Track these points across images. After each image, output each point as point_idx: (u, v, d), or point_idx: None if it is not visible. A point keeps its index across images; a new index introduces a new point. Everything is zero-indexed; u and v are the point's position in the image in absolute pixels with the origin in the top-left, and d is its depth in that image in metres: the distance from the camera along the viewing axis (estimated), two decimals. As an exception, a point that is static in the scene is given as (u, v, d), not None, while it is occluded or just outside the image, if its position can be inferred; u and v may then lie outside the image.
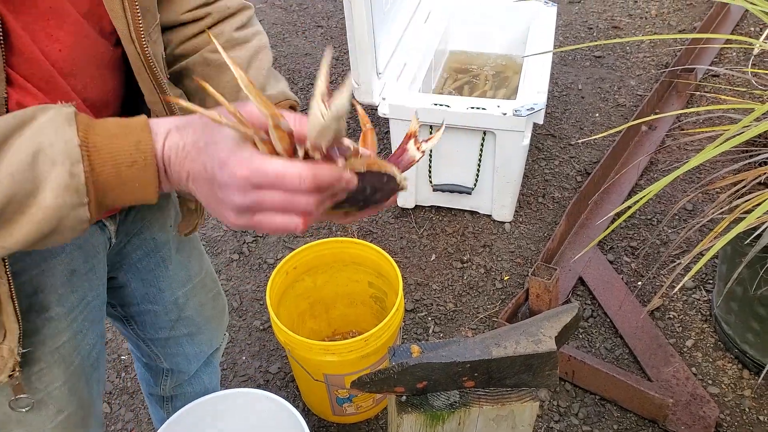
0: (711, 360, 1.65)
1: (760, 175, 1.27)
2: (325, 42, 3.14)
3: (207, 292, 1.10)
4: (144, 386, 1.28)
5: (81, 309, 0.85)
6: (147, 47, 0.72)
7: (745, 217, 1.26)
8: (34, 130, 0.53)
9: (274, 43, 3.15)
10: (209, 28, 0.81)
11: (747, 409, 1.52)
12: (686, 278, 1.12)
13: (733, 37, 1.46)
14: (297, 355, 1.38)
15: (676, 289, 1.50)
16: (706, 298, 1.80)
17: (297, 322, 1.62)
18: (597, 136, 1.69)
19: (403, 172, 0.69)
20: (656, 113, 2.51)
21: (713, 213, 1.37)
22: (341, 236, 1.92)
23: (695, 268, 1.06)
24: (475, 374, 1.05)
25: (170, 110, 0.78)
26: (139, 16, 0.70)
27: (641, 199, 1.13)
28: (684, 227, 2.02)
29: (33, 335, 0.78)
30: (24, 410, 0.79)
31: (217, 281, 1.14)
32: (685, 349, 1.68)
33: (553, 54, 2.96)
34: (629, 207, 1.20)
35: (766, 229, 1.16)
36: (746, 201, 1.25)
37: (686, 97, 2.58)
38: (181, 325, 1.07)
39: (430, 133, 1.95)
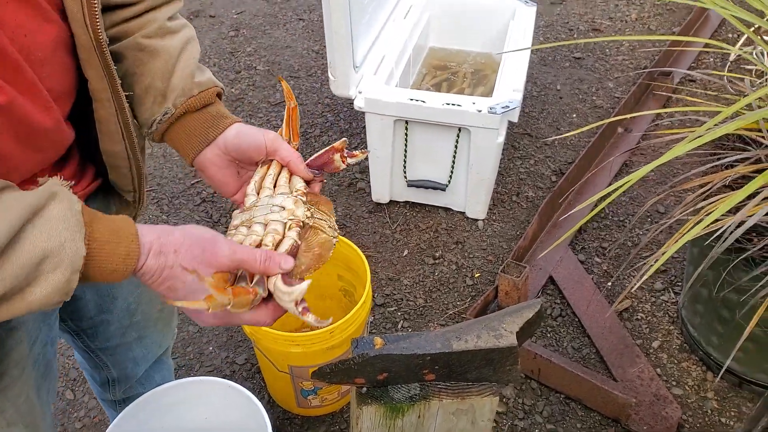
0: (676, 361, 1.66)
1: (725, 177, 1.28)
2: (306, 35, 3.11)
3: (154, 295, 1.09)
4: (96, 392, 1.25)
5: (36, 315, 0.82)
6: (100, 31, 0.70)
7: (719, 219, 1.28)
8: (46, 226, 0.56)
9: (254, 35, 3.12)
10: (141, 14, 0.80)
11: (709, 411, 1.54)
12: (645, 275, 1.13)
13: (711, 42, 1.47)
14: (262, 346, 1.36)
15: (635, 286, 1.52)
16: (674, 300, 1.82)
17: (264, 314, 1.60)
18: (571, 134, 1.70)
19: (320, 171, 0.83)
20: (633, 118, 2.54)
21: (680, 214, 1.38)
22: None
23: (655, 266, 1.07)
24: (436, 367, 1.04)
25: (117, 97, 0.76)
26: None
27: (611, 194, 1.13)
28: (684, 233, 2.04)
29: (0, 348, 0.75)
30: None
31: None
32: (651, 350, 1.69)
33: (534, 54, 2.98)
34: (596, 205, 1.20)
35: (727, 230, 1.17)
36: (711, 203, 1.26)
37: (663, 100, 2.61)
38: (132, 330, 1.05)
39: (405, 128, 1.94)
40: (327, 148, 0.84)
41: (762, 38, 1.36)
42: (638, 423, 1.49)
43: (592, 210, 1.18)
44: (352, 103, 1.92)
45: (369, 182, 2.14)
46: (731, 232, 1.15)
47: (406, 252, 2.02)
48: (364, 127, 1.99)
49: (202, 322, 0.69)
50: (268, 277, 0.71)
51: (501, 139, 1.89)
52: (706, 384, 1.60)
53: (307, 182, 0.82)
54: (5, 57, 0.60)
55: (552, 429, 1.52)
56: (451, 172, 2.03)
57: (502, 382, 1.08)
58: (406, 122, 1.92)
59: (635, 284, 1.23)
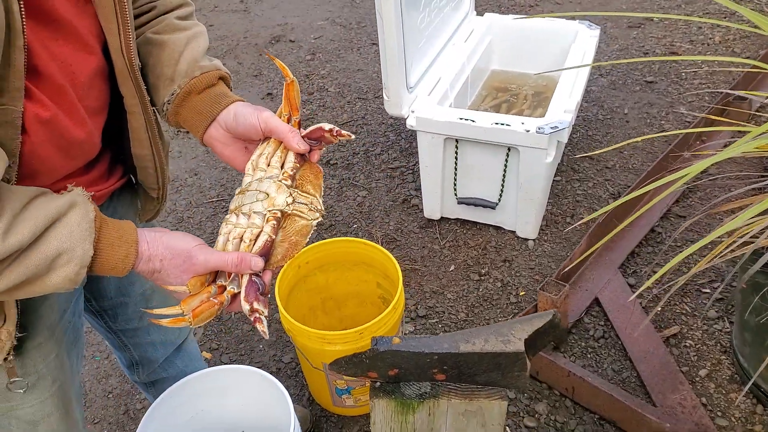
0: (724, 392, 1.59)
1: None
2: (377, 59, 3.26)
3: None
4: (128, 375, 1.39)
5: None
6: (134, 57, 0.84)
7: (753, 242, 1.25)
8: (65, 230, 0.72)
9: (329, 58, 3.31)
10: (153, 19, 0.93)
11: (754, 445, 1.47)
12: (675, 288, 1.12)
13: None
14: (298, 342, 1.47)
15: (665, 297, 1.48)
16: (728, 330, 1.74)
17: (308, 316, 1.70)
18: (619, 145, 1.69)
19: (317, 141, 0.91)
20: (703, 140, 2.45)
21: (718, 236, 1.35)
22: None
23: (681, 280, 1.06)
24: (445, 367, 1.10)
25: (146, 110, 0.90)
26: (129, 31, 0.81)
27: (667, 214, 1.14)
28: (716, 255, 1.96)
29: (32, 312, 0.89)
30: (21, 391, 0.91)
31: None
32: (697, 379, 1.63)
33: (604, 78, 2.95)
34: (653, 229, 1.21)
35: (758, 251, 1.14)
36: (748, 224, 1.23)
37: (737, 130, 2.49)
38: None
39: (456, 147, 2.00)
40: (316, 126, 0.91)
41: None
42: (673, 450, 1.44)
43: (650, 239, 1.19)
44: (405, 122, 2.01)
45: (422, 199, 2.21)
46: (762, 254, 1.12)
47: (452, 267, 2.07)
48: (415, 145, 2.08)
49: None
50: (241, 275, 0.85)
51: (550, 159, 1.91)
52: (755, 417, 1.52)
53: (304, 155, 0.91)
54: (53, 82, 0.75)
55: (582, 449, 1.51)
56: (501, 190, 2.06)
57: (511, 387, 1.12)
58: (456, 141, 1.99)
59: (687, 310, 1.21)
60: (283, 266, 0.91)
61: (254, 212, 0.87)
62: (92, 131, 0.84)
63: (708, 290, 1.87)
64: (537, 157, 1.90)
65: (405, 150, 2.61)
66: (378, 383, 1.14)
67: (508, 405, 1.61)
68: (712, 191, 2.24)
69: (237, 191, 0.92)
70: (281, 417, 1.26)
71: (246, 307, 0.84)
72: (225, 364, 1.82)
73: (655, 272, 1.95)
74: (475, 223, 2.21)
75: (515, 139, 1.88)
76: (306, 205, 0.88)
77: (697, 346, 1.71)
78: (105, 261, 0.75)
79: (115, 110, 0.90)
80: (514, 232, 2.16)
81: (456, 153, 2.02)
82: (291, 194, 0.88)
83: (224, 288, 0.85)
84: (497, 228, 2.19)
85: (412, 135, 2.67)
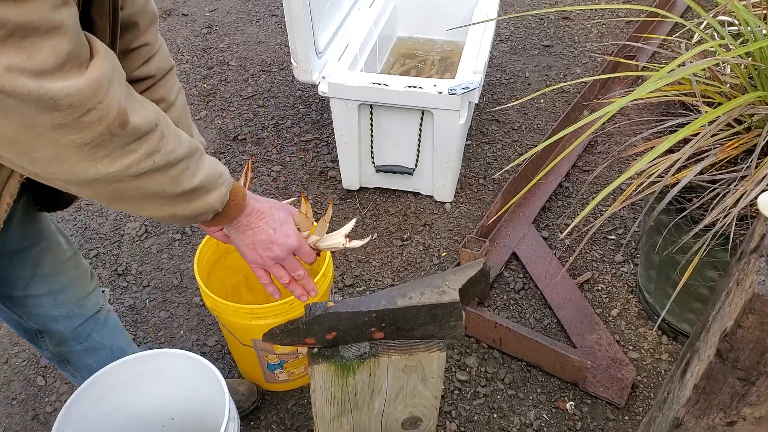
0: (633, 328, 1.72)
1: (666, 141, 1.33)
2: (278, 30, 3.16)
3: (63, 252, 1.13)
4: (36, 349, 1.29)
5: None
6: None
7: (658, 181, 1.33)
8: (213, 161, 0.88)
9: (227, 31, 3.16)
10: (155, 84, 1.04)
11: (663, 371, 1.59)
12: (590, 233, 1.17)
13: (681, 20, 1.53)
14: (224, 320, 1.40)
15: (581, 246, 1.56)
16: (633, 271, 1.87)
17: (232, 294, 1.64)
18: (523, 99, 1.74)
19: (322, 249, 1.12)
20: (597, 98, 2.59)
21: (626, 179, 1.43)
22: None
23: (597, 223, 1.11)
24: (383, 324, 1.09)
25: None
26: None
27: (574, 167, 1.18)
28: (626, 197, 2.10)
29: None
30: None
31: (74, 245, 1.18)
32: (610, 318, 1.75)
33: (504, 44, 3.04)
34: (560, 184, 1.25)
35: (662, 191, 1.22)
36: (653, 164, 1.32)
37: (629, 82, 2.66)
38: (38, 284, 1.09)
39: (370, 113, 1.98)
40: (340, 236, 1.10)
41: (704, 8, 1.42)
42: (595, 385, 1.54)
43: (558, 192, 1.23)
44: (315, 87, 1.96)
45: (340, 170, 2.18)
46: (668, 193, 1.20)
47: (375, 235, 2.07)
48: (328, 112, 2.04)
49: (262, 259, 1.04)
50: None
51: (462, 120, 1.94)
52: (661, 347, 1.65)
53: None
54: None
55: (513, 394, 1.57)
56: (417, 156, 2.07)
57: (448, 337, 1.13)
58: (371, 107, 1.97)
59: (596, 257, 1.27)
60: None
61: None
62: None
63: (613, 237, 1.99)
64: (450, 118, 1.92)
65: (317, 122, 2.56)
66: (316, 349, 1.12)
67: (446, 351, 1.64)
68: (610, 146, 2.38)
69: None
70: (214, 399, 1.20)
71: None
72: (144, 354, 1.71)
73: (567, 225, 2.05)
74: (394, 191, 2.21)
75: (429, 102, 1.89)
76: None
77: (607, 289, 1.83)
78: (234, 192, 0.91)
79: None
80: (432, 196, 2.19)
81: (371, 119, 2.00)
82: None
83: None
84: (415, 194, 2.20)
85: (324, 106, 2.62)
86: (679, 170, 1.30)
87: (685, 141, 1.40)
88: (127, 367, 1.22)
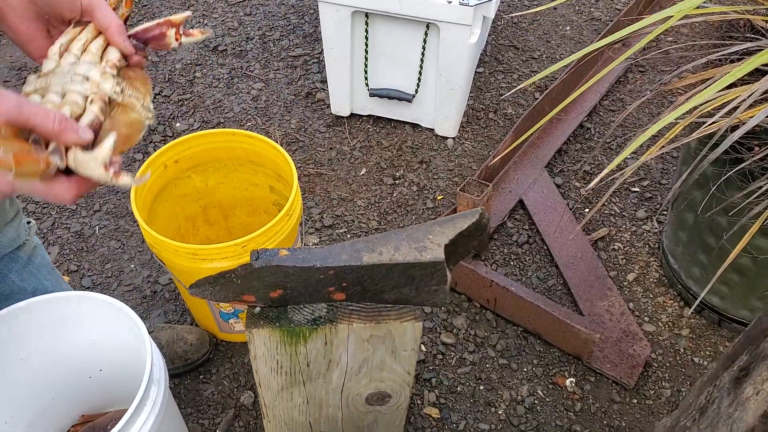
0: (652, 296, 1.48)
1: (726, 72, 1.04)
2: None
3: None
4: None
5: None
6: None
7: (704, 122, 1.06)
8: None
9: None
10: None
11: (682, 350, 1.37)
12: (606, 170, 0.91)
13: None
14: (165, 260, 1.17)
15: (603, 200, 1.31)
16: (657, 230, 1.62)
17: (186, 227, 1.40)
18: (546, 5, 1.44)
19: (147, 46, 0.70)
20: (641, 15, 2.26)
21: (672, 118, 1.15)
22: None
23: (617, 160, 0.86)
24: (344, 284, 0.85)
25: None
26: None
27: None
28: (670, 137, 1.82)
29: None
30: None
31: None
32: (625, 284, 1.51)
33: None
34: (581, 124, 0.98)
35: (721, 135, 0.95)
36: (706, 102, 1.03)
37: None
38: None
39: (366, 23, 1.68)
40: (161, 19, 0.70)
41: None
42: (601, 361, 1.32)
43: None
44: (317, 6, 1.65)
45: (328, 92, 1.89)
46: (724, 136, 0.93)
47: (363, 171, 1.81)
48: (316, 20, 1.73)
49: None
50: (67, 149, 0.59)
51: (474, 39, 1.63)
52: (682, 321, 1.42)
53: (126, 57, 0.68)
54: None
55: (505, 364, 1.36)
56: (419, 79, 1.78)
57: (427, 304, 0.89)
58: (366, 15, 1.66)
59: (610, 207, 1.02)
60: None
61: (71, 90, 0.63)
62: None
63: (637, 189, 1.73)
64: (460, 36, 1.62)
65: (309, 35, 2.24)
66: (257, 308, 0.89)
67: (423, 321, 1.42)
68: (642, 83, 2.07)
69: (32, 76, 0.67)
70: (143, 353, 0.99)
71: (94, 159, 0.57)
72: (87, 289, 1.50)
73: (585, 171, 1.78)
74: (389, 120, 1.94)
75: (435, 13, 1.58)
76: (138, 100, 0.67)
77: (625, 249, 1.58)
78: None
79: None
80: (432, 129, 1.91)
81: (366, 31, 1.70)
82: (119, 83, 0.66)
83: (47, 147, 0.58)
84: (414, 125, 1.92)
85: (318, 19, 2.30)
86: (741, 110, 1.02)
87: (757, 73, 1.11)
88: (37, 310, 1.00)
